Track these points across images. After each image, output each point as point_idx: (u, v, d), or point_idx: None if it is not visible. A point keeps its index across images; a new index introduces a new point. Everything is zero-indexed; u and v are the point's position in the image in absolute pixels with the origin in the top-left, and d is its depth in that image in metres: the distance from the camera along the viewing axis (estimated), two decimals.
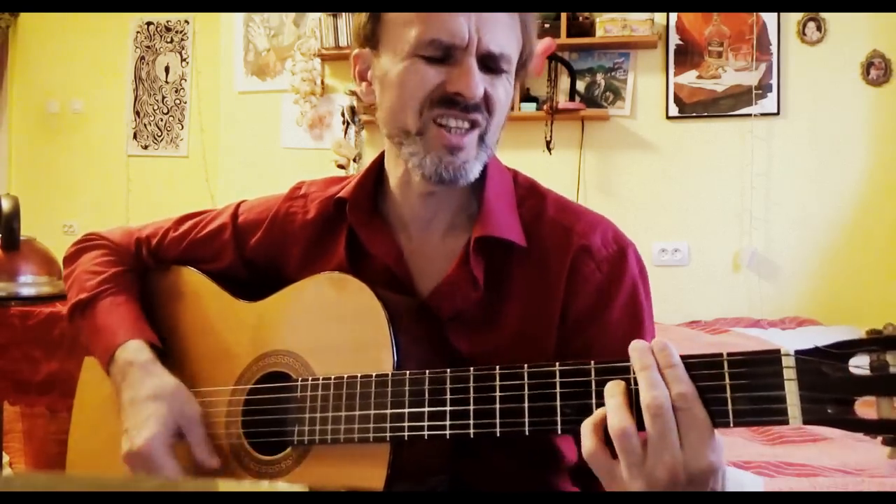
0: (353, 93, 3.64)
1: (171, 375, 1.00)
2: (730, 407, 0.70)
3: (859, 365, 0.68)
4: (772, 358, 0.69)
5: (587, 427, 0.73)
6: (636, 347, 0.73)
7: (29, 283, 1.93)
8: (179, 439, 0.96)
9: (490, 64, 0.92)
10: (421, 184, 0.96)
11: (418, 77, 0.92)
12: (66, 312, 1.12)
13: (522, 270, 0.97)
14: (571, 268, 0.95)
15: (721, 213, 3.47)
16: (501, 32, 0.92)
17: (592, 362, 0.77)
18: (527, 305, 0.96)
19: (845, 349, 0.68)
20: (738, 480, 1.75)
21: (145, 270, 1.15)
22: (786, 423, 0.68)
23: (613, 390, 0.73)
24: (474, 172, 0.94)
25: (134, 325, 1.05)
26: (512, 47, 0.94)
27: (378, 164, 1.05)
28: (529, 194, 1.03)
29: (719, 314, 3.37)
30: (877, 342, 0.67)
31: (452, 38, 0.90)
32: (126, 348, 1.02)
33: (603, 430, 0.72)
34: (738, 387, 0.70)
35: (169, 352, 1.06)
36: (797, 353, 0.69)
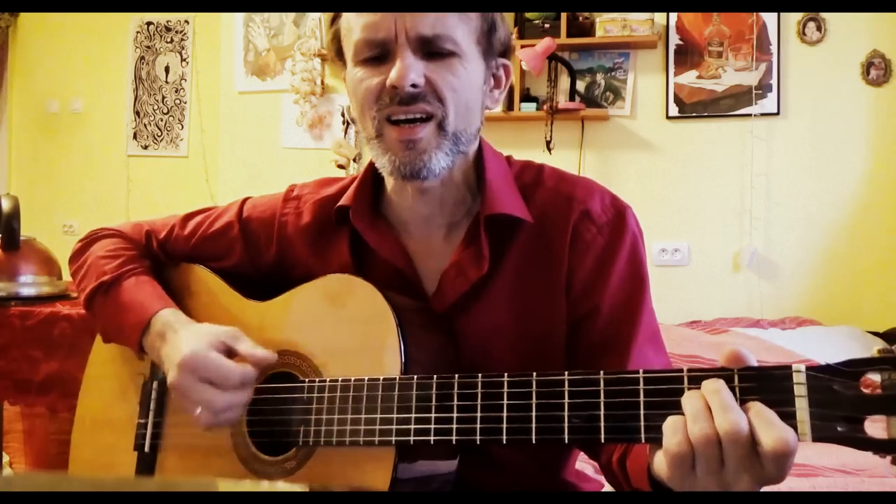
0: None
1: None
2: None
3: (870, 383, 0.68)
4: (783, 374, 0.69)
5: (672, 426, 0.69)
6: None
7: (29, 283, 1.93)
8: (227, 353, 0.95)
9: (430, 49, 0.91)
10: (405, 182, 0.97)
11: (365, 82, 0.93)
12: (85, 296, 1.11)
13: (525, 243, 0.97)
14: (574, 233, 0.96)
15: (721, 213, 3.47)
16: (431, 14, 0.91)
17: (602, 372, 0.76)
18: (531, 277, 0.97)
19: (857, 367, 0.68)
20: None
21: (157, 262, 1.16)
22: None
23: (693, 395, 0.70)
24: (438, 163, 0.93)
25: (164, 298, 1.06)
26: (450, 26, 0.92)
27: (374, 168, 1.05)
28: (525, 168, 1.04)
29: (719, 314, 3.37)
30: (888, 361, 0.67)
31: (377, 32, 0.91)
32: (161, 315, 1.03)
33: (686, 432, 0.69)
34: (747, 401, 0.69)
35: None
36: (808, 369, 0.68)
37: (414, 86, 0.90)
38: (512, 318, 0.96)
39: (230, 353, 0.95)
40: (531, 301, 0.96)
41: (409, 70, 0.89)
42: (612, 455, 0.90)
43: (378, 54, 0.92)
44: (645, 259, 0.99)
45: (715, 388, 0.69)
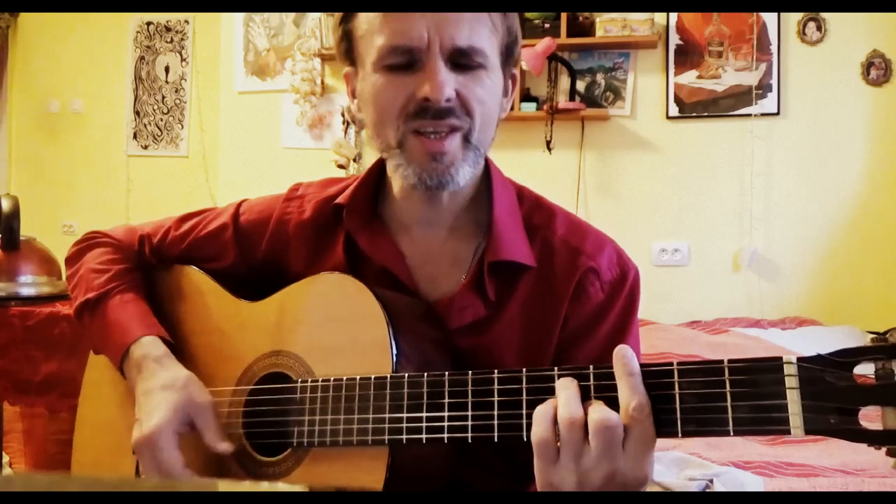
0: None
1: (184, 368, 1.01)
2: (730, 415, 0.69)
3: (864, 373, 0.66)
4: (773, 365, 0.68)
5: (540, 412, 0.75)
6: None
7: (29, 283, 1.93)
8: (191, 429, 0.96)
9: (461, 61, 0.90)
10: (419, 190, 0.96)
11: (390, 90, 0.91)
12: (74, 311, 1.11)
13: (529, 285, 0.97)
14: (578, 285, 0.96)
15: (721, 213, 3.47)
16: (466, 26, 0.89)
17: (591, 367, 0.76)
18: (530, 317, 0.96)
19: (849, 357, 0.66)
20: (738, 480, 1.75)
21: (149, 268, 1.15)
22: (787, 432, 0.66)
23: (567, 383, 0.75)
24: (463, 175, 0.93)
25: (145, 321, 1.06)
26: (483, 38, 0.91)
27: (378, 168, 1.05)
28: (536, 210, 1.03)
29: (719, 314, 3.37)
30: (882, 350, 0.65)
31: (410, 41, 0.89)
32: (140, 343, 1.02)
33: (554, 419, 0.74)
34: (738, 395, 0.68)
35: (173, 350, 1.06)
36: (800, 360, 0.67)
37: (448, 100, 0.89)
38: (508, 353, 0.96)
39: (196, 428, 0.96)
40: (527, 341, 0.96)
41: (445, 84, 0.88)
42: None
43: (406, 62, 0.90)
44: (635, 323, 0.99)
45: (563, 385, 0.75)
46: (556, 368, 0.78)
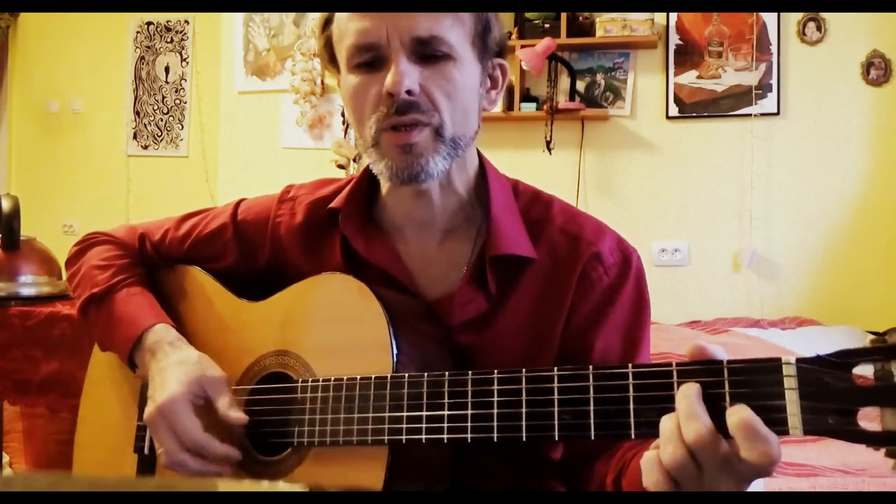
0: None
1: (197, 350, 1.01)
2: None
3: (863, 374, 0.67)
4: (772, 366, 0.68)
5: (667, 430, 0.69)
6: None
7: (29, 283, 1.93)
8: (204, 402, 0.96)
9: (425, 51, 0.90)
10: (404, 187, 0.97)
11: (361, 89, 0.93)
12: (79, 307, 1.11)
13: (531, 276, 0.97)
14: (581, 273, 0.96)
15: (721, 213, 3.47)
16: (424, 16, 0.90)
17: (591, 367, 0.76)
18: (535, 309, 0.96)
19: (848, 358, 0.66)
20: None
21: (151, 266, 1.15)
22: (786, 433, 0.66)
23: (686, 391, 0.70)
24: (436, 167, 0.92)
25: (155, 311, 1.06)
26: (445, 28, 0.91)
27: (369, 171, 1.05)
28: (533, 202, 1.03)
29: (719, 314, 3.37)
30: (881, 351, 0.65)
31: (367, 37, 0.90)
32: (153, 330, 1.03)
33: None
34: (737, 395, 0.68)
35: None
36: (799, 361, 0.67)
37: (409, 93, 0.89)
38: (512, 341, 0.96)
39: (209, 401, 0.96)
40: (531, 334, 0.96)
41: (404, 77, 0.89)
42: (606, 478, 0.90)
43: (371, 59, 0.91)
44: (648, 304, 0.99)
45: (684, 394, 0.69)
46: (555, 369, 0.77)
